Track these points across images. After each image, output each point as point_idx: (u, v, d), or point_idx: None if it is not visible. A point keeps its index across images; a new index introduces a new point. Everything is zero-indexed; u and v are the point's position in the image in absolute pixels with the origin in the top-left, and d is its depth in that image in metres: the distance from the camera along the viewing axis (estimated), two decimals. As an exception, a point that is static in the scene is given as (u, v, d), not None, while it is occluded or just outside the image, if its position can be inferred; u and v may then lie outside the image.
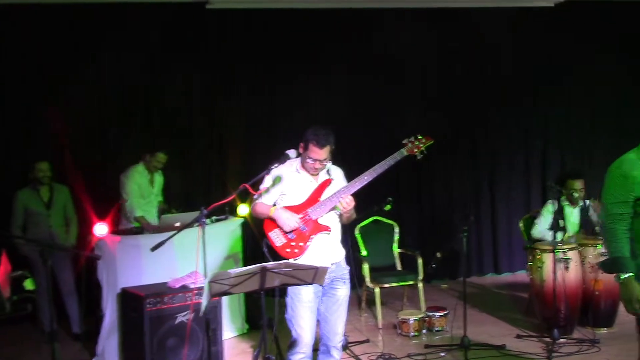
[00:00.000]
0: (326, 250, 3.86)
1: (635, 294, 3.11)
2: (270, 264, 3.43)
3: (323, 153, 3.80)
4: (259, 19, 7.37)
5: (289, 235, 3.82)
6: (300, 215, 3.83)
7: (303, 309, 3.79)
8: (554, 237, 5.44)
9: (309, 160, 3.82)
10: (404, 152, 4.01)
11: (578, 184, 5.99)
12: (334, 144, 3.85)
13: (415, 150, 4.04)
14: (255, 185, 3.81)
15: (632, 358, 3.52)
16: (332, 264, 3.84)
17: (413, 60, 7.83)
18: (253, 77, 7.46)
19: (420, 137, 4.08)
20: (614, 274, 3.18)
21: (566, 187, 5.98)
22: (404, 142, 4.07)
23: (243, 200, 5.74)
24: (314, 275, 3.43)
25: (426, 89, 7.89)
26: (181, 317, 4.64)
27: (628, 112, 8.33)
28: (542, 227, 6.00)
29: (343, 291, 3.94)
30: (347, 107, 7.52)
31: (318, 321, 3.94)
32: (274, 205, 3.90)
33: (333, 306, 3.90)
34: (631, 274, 3.11)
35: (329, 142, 3.80)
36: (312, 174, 3.90)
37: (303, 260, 3.76)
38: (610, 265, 3.25)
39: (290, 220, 3.79)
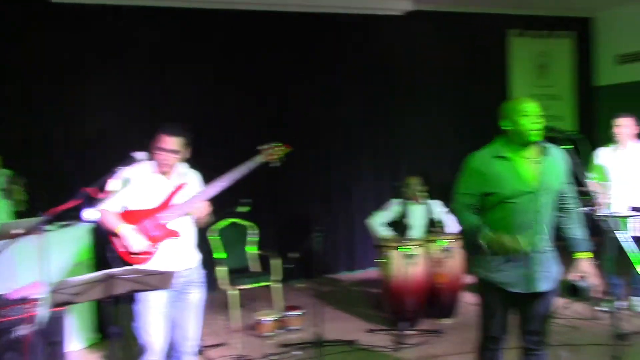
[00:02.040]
0: (178, 256, 3.80)
1: (503, 239, 3.25)
2: (115, 270, 3.32)
3: (173, 142, 3.74)
4: (108, 15, 7.10)
5: (137, 241, 3.72)
6: (152, 220, 3.73)
7: (153, 315, 3.70)
8: (402, 235, 5.71)
9: (159, 153, 3.74)
10: (261, 158, 4.05)
11: (413, 180, 6.37)
12: (189, 143, 3.82)
13: (273, 157, 4.09)
14: (102, 189, 3.67)
15: (470, 345, 3.77)
16: (185, 269, 3.79)
17: (266, 65, 7.82)
18: (101, 75, 7.14)
19: (277, 144, 4.15)
20: (479, 243, 3.32)
21: (405, 186, 6.33)
22: (260, 148, 4.12)
23: (91, 204, 5.48)
24: (161, 280, 3.36)
25: (280, 94, 7.93)
26: (20, 331, 4.35)
27: (470, 113, 8.94)
28: (377, 219, 6.33)
29: (196, 295, 3.89)
30: (206, 110, 7.44)
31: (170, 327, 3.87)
32: (124, 208, 3.79)
33: (185, 311, 3.85)
34: (488, 232, 3.29)
35: (181, 134, 3.76)
36: (164, 172, 3.81)
37: (152, 265, 3.67)
38: (469, 239, 3.41)
39: (136, 242, 3.68)
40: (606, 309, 5.69)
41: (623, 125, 5.94)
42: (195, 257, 3.94)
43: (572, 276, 3.37)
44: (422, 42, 8.64)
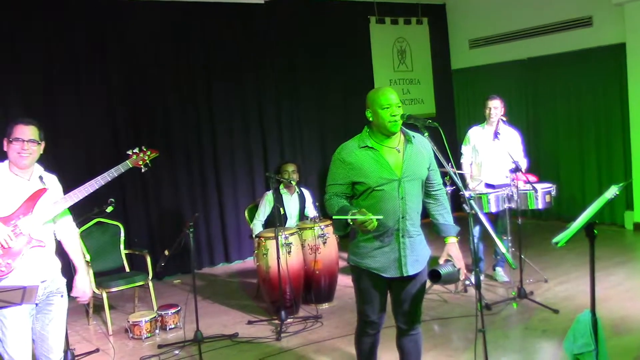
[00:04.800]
0: (40, 266, 3.53)
1: (361, 219, 3.20)
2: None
3: (29, 131, 3.52)
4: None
5: (-8, 252, 3.42)
6: (10, 228, 3.45)
7: (14, 331, 3.41)
8: (277, 225, 5.70)
9: (14, 144, 3.48)
10: (128, 164, 4.00)
11: (289, 167, 6.42)
12: (43, 137, 3.61)
13: (141, 162, 4.07)
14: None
15: (349, 327, 3.85)
16: (45, 280, 3.54)
17: (116, 61, 7.42)
18: None
19: (145, 148, 4.12)
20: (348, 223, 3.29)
21: (281, 173, 6.35)
22: (128, 153, 4.07)
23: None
24: (22, 295, 3.11)
25: (142, 92, 7.59)
26: None
27: (339, 101, 9.11)
28: (258, 220, 6.33)
29: (60, 306, 3.65)
30: (65, 112, 7.02)
31: (33, 341, 3.62)
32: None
33: (50, 323, 3.60)
34: (354, 209, 3.28)
35: (36, 125, 3.58)
36: (23, 167, 3.52)
37: (12, 280, 3.39)
38: (337, 217, 3.36)
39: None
40: (472, 282, 6.04)
41: (497, 107, 6.27)
42: (56, 266, 3.70)
43: (441, 261, 3.50)
44: (286, 31, 8.66)
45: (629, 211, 8.42)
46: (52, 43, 6.96)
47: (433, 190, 3.62)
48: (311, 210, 6.47)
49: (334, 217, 3.39)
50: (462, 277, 3.54)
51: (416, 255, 3.49)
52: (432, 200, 3.63)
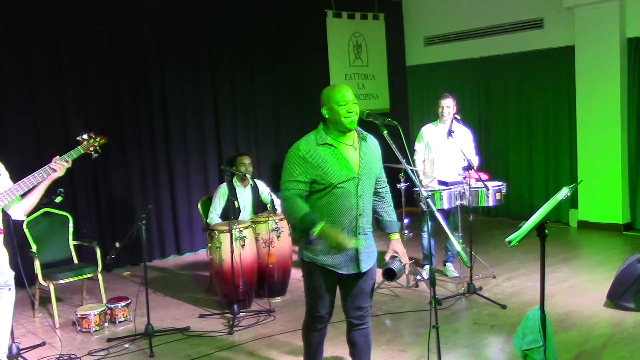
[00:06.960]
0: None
1: (336, 235, 3.28)
2: None
3: None
4: None
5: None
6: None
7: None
8: (232, 218, 5.66)
9: None
10: (80, 150, 3.94)
11: (246, 159, 6.39)
12: None
13: (91, 148, 4.03)
14: None
15: (302, 321, 3.86)
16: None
17: (68, 47, 7.21)
18: None
19: (94, 134, 4.07)
20: (310, 233, 3.27)
21: (236, 166, 6.31)
22: (78, 139, 4.02)
23: None
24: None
25: (88, 79, 7.37)
26: None
27: (295, 94, 9.08)
28: (215, 212, 6.27)
29: (6, 300, 3.53)
30: (14, 99, 6.81)
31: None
32: None
33: (-7, 317, 3.49)
34: (322, 222, 3.27)
35: None
36: None
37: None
38: (300, 227, 3.36)
39: None
40: (424, 277, 6.12)
41: (449, 105, 6.35)
42: (4, 256, 3.59)
43: (387, 257, 3.58)
44: (242, 23, 8.57)
45: (573, 209, 8.68)
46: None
47: (380, 188, 3.67)
48: (276, 201, 6.33)
49: (300, 221, 3.34)
50: (406, 271, 3.63)
51: (370, 252, 3.55)
52: (378, 198, 3.68)
